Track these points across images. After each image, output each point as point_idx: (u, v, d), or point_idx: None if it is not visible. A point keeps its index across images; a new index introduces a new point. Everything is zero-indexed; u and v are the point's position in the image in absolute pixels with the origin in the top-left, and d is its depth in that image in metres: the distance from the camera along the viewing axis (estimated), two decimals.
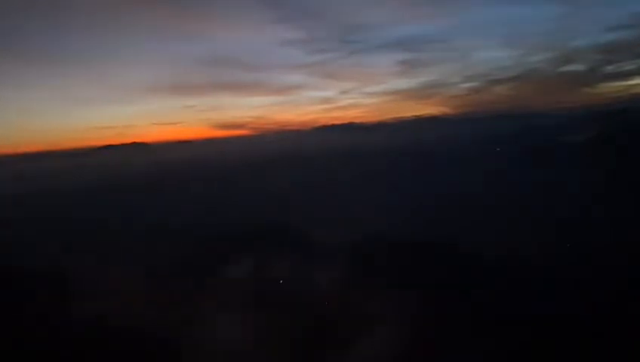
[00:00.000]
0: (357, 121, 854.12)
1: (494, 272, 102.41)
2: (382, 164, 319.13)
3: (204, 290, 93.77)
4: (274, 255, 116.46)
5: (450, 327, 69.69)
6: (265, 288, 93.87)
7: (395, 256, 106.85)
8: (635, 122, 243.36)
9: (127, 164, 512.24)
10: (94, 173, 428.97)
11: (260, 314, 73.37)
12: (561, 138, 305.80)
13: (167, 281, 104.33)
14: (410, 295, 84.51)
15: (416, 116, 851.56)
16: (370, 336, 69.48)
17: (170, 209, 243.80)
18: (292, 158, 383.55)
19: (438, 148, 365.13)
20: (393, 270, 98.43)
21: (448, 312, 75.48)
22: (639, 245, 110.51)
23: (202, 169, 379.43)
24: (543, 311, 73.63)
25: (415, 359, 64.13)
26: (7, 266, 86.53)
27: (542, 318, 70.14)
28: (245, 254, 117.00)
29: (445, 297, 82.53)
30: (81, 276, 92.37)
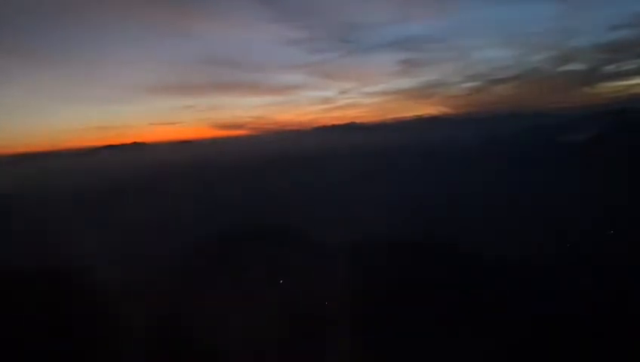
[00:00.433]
0: (357, 121, 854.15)
1: (494, 272, 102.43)
2: (382, 164, 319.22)
3: (204, 290, 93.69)
4: (274, 255, 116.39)
5: (450, 327, 69.67)
6: (265, 288, 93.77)
7: (394, 255, 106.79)
8: (634, 122, 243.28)
9: (126, 164, 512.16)
10: (94, 173, 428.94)
11: (260, 313, 73.29)
12: (561, 138, 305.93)
13: (167, 281, 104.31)
14: (410, 294, 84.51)
15: (416, 116, 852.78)
16: (370, 336, 69.46)
17: (170, 209, 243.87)
18: (292, 158, 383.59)
19: (438, 148, 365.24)
20: (393, 270, 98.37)
21: (448, 312, 75.45)
22: (639, 244, 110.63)
23: (202, 169, 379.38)
24: (542, 310, 73.63)
25: (415, 358, 64.12)
26: (7, 266, 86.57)
27: (541, 318, 70.15)
28: (245, 254, 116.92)
29: (445, 297, 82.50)
30: (82, 276, 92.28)
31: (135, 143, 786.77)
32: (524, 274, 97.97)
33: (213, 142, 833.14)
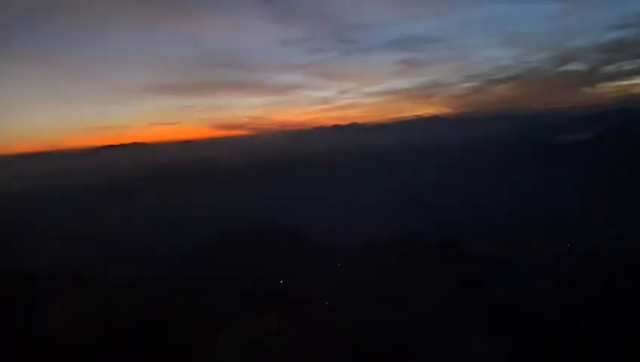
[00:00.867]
0: (356, 121, 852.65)
1: (494, 271, 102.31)
2: (382, 164, 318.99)
3: (204, 290, 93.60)
4: (274, 254, 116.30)
5: (449, 327, 69.57)
6: (265, 287, 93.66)
7: (394, 255, 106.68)
8: (634, 122, 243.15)
9: (126, 163, 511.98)
10: (94, 173, 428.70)
11: (260, 313, 73.16)
12: (561, 138, 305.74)
13: (166, 280, 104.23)
14: (410, 294, 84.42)
15: (416, 116, 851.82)
16: (369, 335, 69.39)
17: (169, 209, 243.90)
18: (292, 158, 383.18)
19: (438, 148, 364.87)
20: (393, 269, 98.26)
21: (448, 311, 75.35)
22: (639, 243, 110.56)
23: (202, 169, 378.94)
24: (542, 310, 73.53)
25: (415, 358, 64.05)
26: (7, 266, 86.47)
27: (542, 318, 70.07)
28: (245, 253, 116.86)
29: (445, 296, 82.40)
30: (81, 275, 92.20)
31: (135, 143, 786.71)
32: (524, 274, 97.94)
33: (213, 142, 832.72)
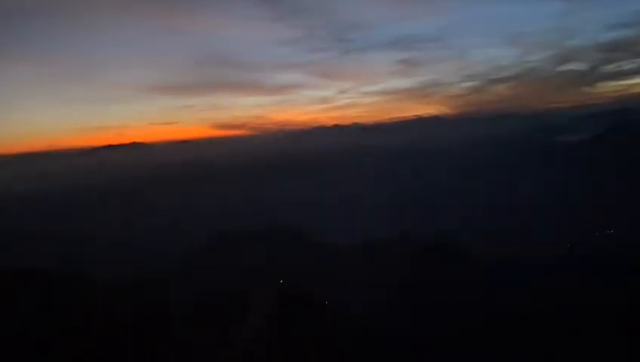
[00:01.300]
0: (356, 120, 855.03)
1: (494, 271, 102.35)
2: (381, 164, 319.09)
3: (203, 290, 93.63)
4: (274, 254, 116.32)
5: (449, 327, 69.60)
6: (265, 287, 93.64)
7: (394, 255, 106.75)
8: (634, 122, 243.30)
9: (126, 163, 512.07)
10: (94, 172, 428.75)
11: (260, 313, 73.14)
12: (561, 138, 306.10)
13: (166, 280, 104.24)
14: (409, 294, 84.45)
15: (416, 116, 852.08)
16: (369, 335, 69.37)
17: (169, 208, 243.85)
18: (292, 158, 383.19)
19: (438, 148, 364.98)
20: (393, 269, 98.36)
21: (448, 311, 75.38)
22: (639, 243, 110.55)
23: (201, 169, 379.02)
24: (542, 310, 73.51)
25: (415, 358, 64.04)
26: (7, 266, 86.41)
27: (542, 317, 70.04)
28: (245, 254, 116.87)
29: (444, 296, 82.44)
30: (82, 275, 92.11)
31: (135, 143, 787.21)
32: (524, 273, 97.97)
33: (213, 141, 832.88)
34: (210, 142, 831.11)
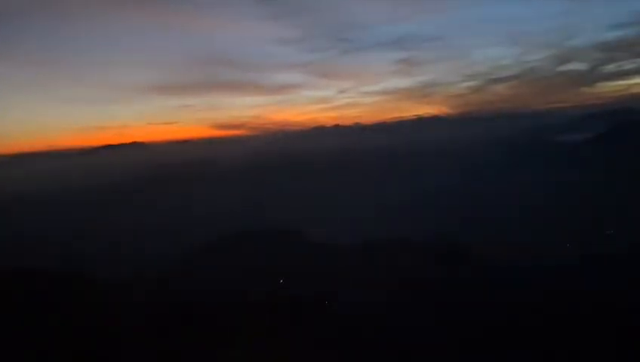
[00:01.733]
0: (356, 120, 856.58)
1: (494, 270, 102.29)
2: (381, 164, 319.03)
3: (203, 290, 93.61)
4: (274, 254, 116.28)
5: (449, 327, 69.54)
6: (265, 287, 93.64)
7: (394, 254, 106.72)
8: (634, 122, 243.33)
9: (126, 163, 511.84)
10: (93, 172, 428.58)
11: (260, 313, 73.16)
12: (561, 138, 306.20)
13: (166, 280, 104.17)
14: (409, 294, 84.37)
15: (416, 116, 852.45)
16: (369, 335, 69.34)
17: (169, 208, 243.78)
18: (291, 158, 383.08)
19: (438, 148, 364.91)
20: (393, 269, 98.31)
21: (448, 311, 75.33)
22: (639, 243, 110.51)
23: (201, 169, 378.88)
24: (542, 310, 73.45)
25: (415, 358, 63.98)
26: (7, 266, 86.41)
27: (542, 317, 70.00)
28: (244, 254, 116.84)
29: (445, 296, 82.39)
30: (82, 275, 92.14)
31: (134, 143, 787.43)
32: (524, 273, 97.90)
33: (212, 141, 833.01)
34: (209, 142, 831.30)
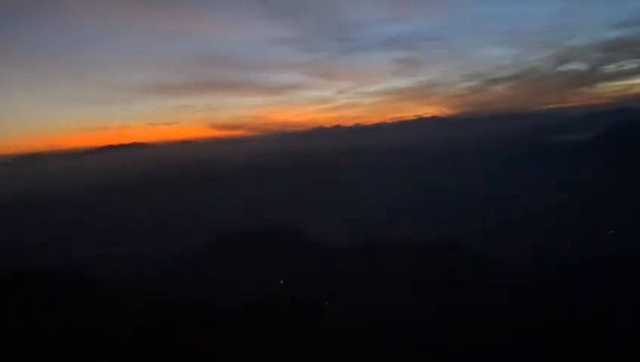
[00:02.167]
0: (355, 120, 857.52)
1: (494, 270, 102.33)
2: (381, 164, 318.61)
3: (203, 290, 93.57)
4: (273, 254, 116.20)
5: (449, 327, 69.51)
6: (264, 287, 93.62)
7: (394, 254, 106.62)
8: (634, 122, 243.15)
9: (126, 164, 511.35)
10: (93, 173, 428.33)
11: (260, 312, 73.12)
12: (561, 138, 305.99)
13: (166, 280, 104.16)
14: (409, 294, 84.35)
15: (415, 116, 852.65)
16: (369, 335, 69.32)
17: (169, 209, 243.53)
18: (291, 159, 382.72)
19: (438, 148, 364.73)
20: (393, 269, 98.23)
21: (448, 311, 75.30)
22: (639, 243, 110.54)
23: (201, 169, 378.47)
24: (542, 310, 73.48)
25: (415, 358, 63.95)
26: (7, 266, 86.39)
27: (541, 317, 70.00)
28: (244, 253, 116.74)
29: (445, 296, 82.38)
30: (81, 275, 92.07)
31: (134, 143, 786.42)
32: (524, 273, 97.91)
33: (212, 142, 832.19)
34: (209, 142, 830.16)
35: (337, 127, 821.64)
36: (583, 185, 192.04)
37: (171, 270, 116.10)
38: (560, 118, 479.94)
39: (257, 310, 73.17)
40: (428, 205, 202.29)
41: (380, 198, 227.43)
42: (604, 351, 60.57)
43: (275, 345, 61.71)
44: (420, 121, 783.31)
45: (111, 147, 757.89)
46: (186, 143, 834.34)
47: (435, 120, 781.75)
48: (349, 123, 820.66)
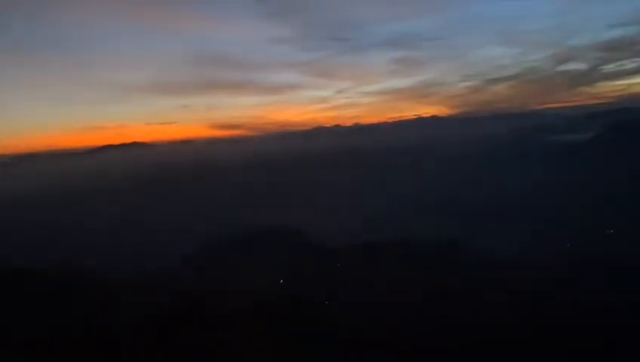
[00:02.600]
0: (355, 120, 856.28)
1: (494, 270, 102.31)
2: (381, 164, 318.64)
3: (203, 289, 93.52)
4: (273, 254, 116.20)
5: (449, 327, 69.54)
6: (264, 287, 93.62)
7: (394, 255, 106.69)
8: (635, 122, 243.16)
9: (125, 163, 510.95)
10: (93, 172, 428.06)
11: (259, 313, 73.06)
12: (560, 138, 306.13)
13: (166, 280, 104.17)
14: (409, 295, 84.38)
15: (415, 115, 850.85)
16: (368, 335, 69.32)
17: (169, 209, 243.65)
18: (291, 159, 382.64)
19: (438, 148, 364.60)
20: (393, 269, 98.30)
21: (448, 312, 75.34)
22: (639, 243, 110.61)
23: (201, 169, 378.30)
24: (542, 310, 73.51)
25: (415, 358, 63.95)
26: (7, 265, 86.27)
27: (541, 317, 70.05)
28: (244, 253, 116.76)
29: (444, 297, 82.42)
30: (82, 275, 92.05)
31: (134, 143, 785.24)
32: (524, 273, 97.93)
33: (212, 141, 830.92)
34: (208, 142, 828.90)
35: (337, 126, 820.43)
36: (582, 185, 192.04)
37: (171, 270, 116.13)
38: (560, 117, 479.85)
39: (257, 310, 73.07)
40: (428, 205, 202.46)
41: (379, 198, 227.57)
42: (604, 351, 60.57)
43: (275, 345, 61.62)
44: (420, 121, 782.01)
45: (110, 146, 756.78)
46: (185, 143, 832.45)
47: (434, 119, 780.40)
48: (349, 122, 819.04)
